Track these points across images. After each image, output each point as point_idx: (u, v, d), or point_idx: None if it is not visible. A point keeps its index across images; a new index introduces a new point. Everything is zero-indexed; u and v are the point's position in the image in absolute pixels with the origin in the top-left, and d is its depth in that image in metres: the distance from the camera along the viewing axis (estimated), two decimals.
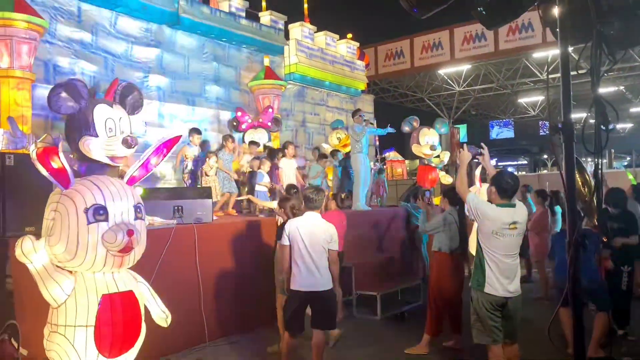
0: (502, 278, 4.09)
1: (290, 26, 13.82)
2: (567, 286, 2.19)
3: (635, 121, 34.01)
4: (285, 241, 4.69)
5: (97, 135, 4.76)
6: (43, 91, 7.63)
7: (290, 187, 6.78)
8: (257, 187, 8.29)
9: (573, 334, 2.25)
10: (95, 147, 4.76)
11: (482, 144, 4.83)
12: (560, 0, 2.18)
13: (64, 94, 4.64)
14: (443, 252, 5.88)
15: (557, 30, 2.27)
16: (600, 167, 2.16)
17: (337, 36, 15.20)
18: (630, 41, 2.38)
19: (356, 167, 9.44)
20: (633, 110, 31.11)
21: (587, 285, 4.17)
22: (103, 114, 4.72)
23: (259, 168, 8.41)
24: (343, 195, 7.30)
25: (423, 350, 5.75)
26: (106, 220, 3.45)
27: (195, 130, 8.65)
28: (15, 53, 7.35)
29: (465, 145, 4.69)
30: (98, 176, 3.77)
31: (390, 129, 10.11)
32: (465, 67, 21.83)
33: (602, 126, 2.15)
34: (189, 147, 8.35)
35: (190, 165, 8.29)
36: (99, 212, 3.42)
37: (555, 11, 2.23)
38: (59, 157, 3.43)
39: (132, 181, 3.85)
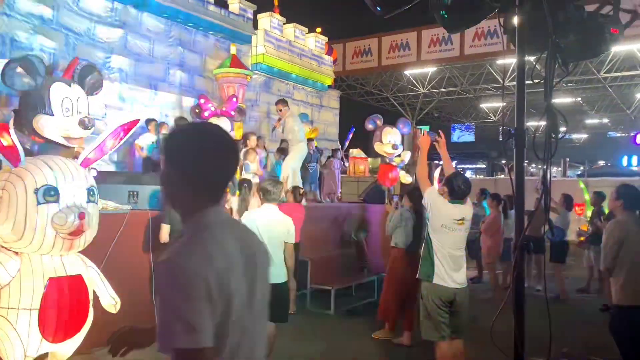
0: (450, 269, 4.27)
1: (259, 16, 13.71)
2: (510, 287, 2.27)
3: (590, 132, 35.29)
4: None
5: (52, 114, 4.64)
6: None
7: (243, 180, 6.81)
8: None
9: (515, 336, 2.33)
10: (49, 126, 4.64)
11: (440, 131, 4.96)
12: (519, 10, 2.24)
13: (19, 69, 4.49)
14: (399, 248, 6.07)
15: (515, 38, 2.34)
16: (549, 173, 2.24)
17: (306, 29, 15.18)
18: (584, 54, 2.47)
19: (294, 157, 9.12)
20: (589, 121, 32.30)
21: None
22: (60, 93, 4.59)
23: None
24: (301, 191, 7.32)
25: (387, 336, 6.01)
26: (57, 201, 3.37)
27: (152, 120, 8.72)
28: None
29: (425, 130, 4.82)
30: (51, 156, 3.66)
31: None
32: (430, 70, 22.13)
33: (552, 134, 2.23)
34: (142, 137, 8.33)
35: (145, 154, 8.23)
36: (50, 193, 3.34)
37: (515, 20, 2.29)
38: (9, 134, 3.32)
39: (86, 163, 3.76)
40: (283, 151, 9.90)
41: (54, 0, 8.71)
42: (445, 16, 2.25)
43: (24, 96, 4.85)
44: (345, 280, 8.03)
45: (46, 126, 4.59)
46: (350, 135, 12.07)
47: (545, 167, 2.23)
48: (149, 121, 8.91)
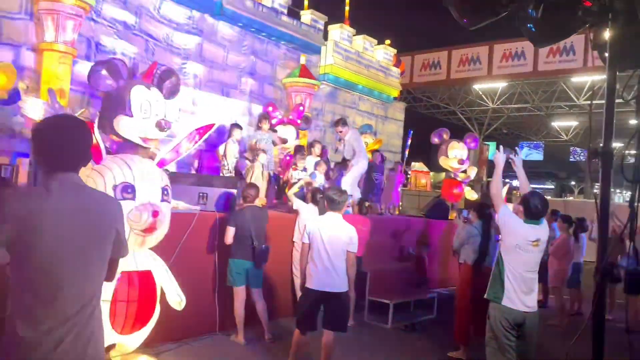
0: (520, 292, 4.12)
1: (329, 27, 13.83)
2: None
3: None
4: (305, 239, 4.71)
5: (131, 115, 4.85)
6: (83, 67, 7.77)
7: (316, 190, 6.84)
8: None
9: None
10: (128, 127, 4.85)
11: (517, 149, 4.82)
12: (612, 24, 2.14)
13: (104, 72, 4.74)
14: (467, 264, 5.99)
15: (606, 54, 2.23)
16: (637, 197, 2.12)
17: (375, 41, 15.17)
18: None
19: (357, 171, 9.14)
20: None
21: None
22: (140, 95, 4.80)
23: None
24: (367, 204, 7.29)
25: (462, 356, 5.91)
26: (133, 199, 3.50)
27: (236, 125, 8.79)
28: (60, 27, 7.50)
29: (501, 147, 4.69)
30: (130, 155, 3.83)
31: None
32: (501, 85, 21.57)
33: None
34: (232, 144, 8.44)
35: (233, 164, 8.41)
36: (127, 190, 3.48)
37: (606, 34, 2.19)
38: (94, 133, 3.49)
39: (162, 163, 3.90)
40: (341, 166, 9.91)
41: (137, 7, 9.15)
42: (533, 29, 2.18)
43: (107, 98, 5.11)
44: (404, 294, 7.89)
45: (126, 127, 4.81)
46: (409, 141, 11.84)
47: (633, 190, 2.10)
48: (233, 127, 9.00)
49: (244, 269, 5.65)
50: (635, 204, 2.22)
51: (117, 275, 3.53)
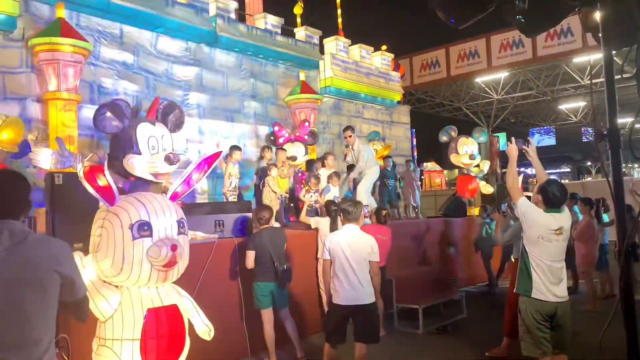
0: (549, 283, 4.07)
1: (325, 40, 13.92)
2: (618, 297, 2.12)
3: None
4: (326, 255, 4.70)
5: (140, 153, 4.92)
6: (88, 111, 7.89)
7: (329, 203, 6.83)
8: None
9: (627, 349, 2.16)
10: (138, 165, 4.92)
11: (530, 139, 4.79)
12: (601, 5, 2.13)
13: (108, 114, 4.82)
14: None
15: (600, 34, 2.22)
16: None
17: (372, 48, 15.23)
18: None
19: (367, 180, 9.14)
20: None
21: None
22: (146, 132, 4.87)
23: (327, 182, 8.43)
24: (384, 212, 7.25)
25: (504, 353, 5.80)
26: (150, 235, 3.52)
27: (235, 147, 8.79)
28: (62, 76, 7.64)
29: (513, 139, 4.63)
30: (142, 193, 3.86)
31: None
32: (503, 75, 21.50)
33: None
34: (232, 166, 8.45)
35: (234, 183, 8.40)
36: (144, 228, 3.49)
37: (597, 16, 2.18)
38: (105, 175, 3.53)
39: (174, 197, 3.92)
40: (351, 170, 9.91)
41: (134, 46, 9.29)
42: (523, 20, 2.18)
43: (114, 138, 5.19)
44: (432, 297, 7.82)
45: (136, 165, 4.88)
46: (414, 141, 11.78)
47: None
48: (232, 149, 8.81)
49: (269, 291, 5.65)
50: None
51: (144, 312, 3.56)
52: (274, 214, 6.42)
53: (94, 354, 3.52)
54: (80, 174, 3.44)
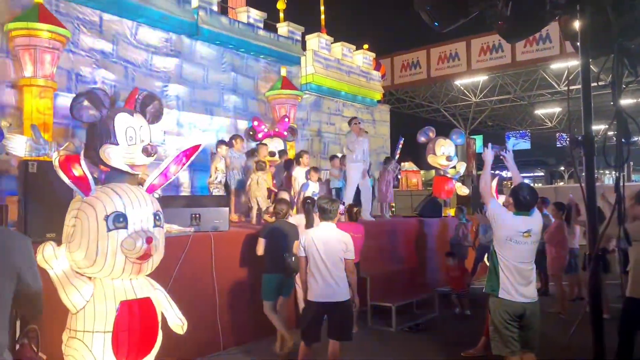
0: (517, 284, 4.15)
1: (307, 37, 13.92)
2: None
3: None
4: (301, 252, 4.70)
5: (117, 143, 4.85)
6: (65, 99, 7.77)
7: (307, 199, 6.83)
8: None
9: (593, 350, 2.22)
10: (115, 155, 4.84)
11: (507, 146, 4.90)
12: (581, 14, 2.18)
13: (86, 102, 4.74)
14: None
15: (578, 43, 2.27)
16: (622, 181, 2.15)
17: (354, 47, 15.28)
18: None
19: (349, 176, 9.36)
20: None
21: None
22: (124, 123, 4.80)
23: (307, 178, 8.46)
24: (355, 209, 7.28)
25: (480, 352, 5.83)
26: (125, 227, 3.48)
27: (222, 142, 8.76)
28: (38, 62, 7.50)
29: (489, 144, 4.73)
30: (118, 183, 3.80)
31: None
32: (481, 78, 21.78)
33: (623, 139, 2.14)
34: (219, 160, 8.42)
35: (220, 177, 8.37)
36: (119, 220, 3.45)
37: (576, 25, 2.23)
38: (80, 165, 3.47)
39: (151, 189, 3.88)
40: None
41: (113, 35, 9.15)
42: (505, 26, 2.21)
43: (91, 128, 5.10)
44: (405, 296, 7.89)
45: (112, 155, 4.80)
46: (400, 146, 11.89)
47: (617, 173, 2.14)
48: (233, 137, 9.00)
49: (279, 282, 5.71)
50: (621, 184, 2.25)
51: (117, 305, 3.52)
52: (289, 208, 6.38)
53: (64, 346, 3.46)
54: (56, 163, 3.38)
